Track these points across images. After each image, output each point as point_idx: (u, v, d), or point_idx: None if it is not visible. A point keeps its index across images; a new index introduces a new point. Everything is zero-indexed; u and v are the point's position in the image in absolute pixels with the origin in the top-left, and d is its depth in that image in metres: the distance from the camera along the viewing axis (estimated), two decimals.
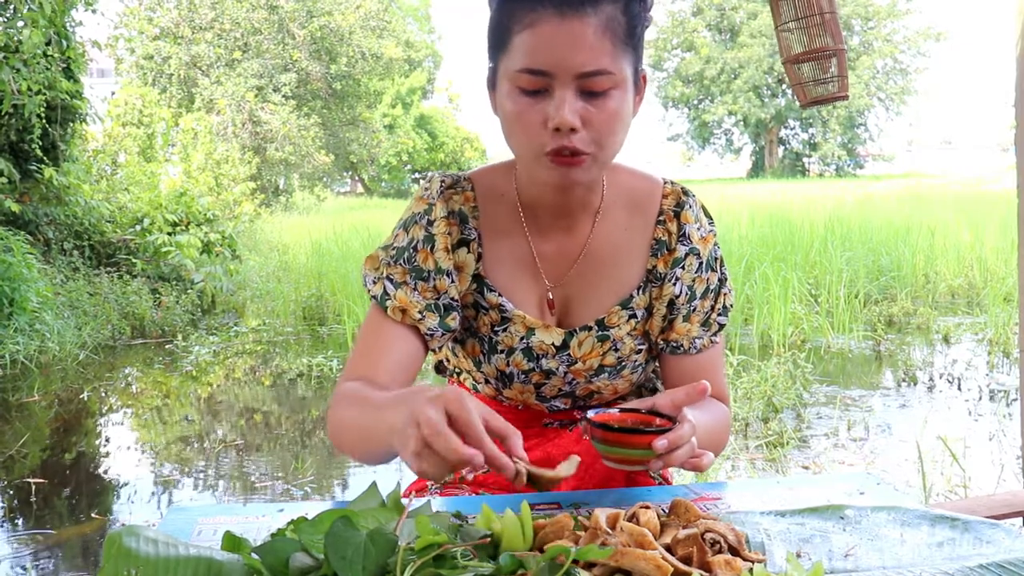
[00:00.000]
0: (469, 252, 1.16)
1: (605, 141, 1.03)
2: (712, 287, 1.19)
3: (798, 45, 2.87)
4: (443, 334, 1.14)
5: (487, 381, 1.22)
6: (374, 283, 1.15)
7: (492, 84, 1.08)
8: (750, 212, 11.87)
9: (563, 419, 1.23)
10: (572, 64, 0.98)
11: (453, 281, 1.15)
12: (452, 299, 1.15)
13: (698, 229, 1.18)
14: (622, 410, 1.00)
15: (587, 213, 1.17)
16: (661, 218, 1.18)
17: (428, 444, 0.80)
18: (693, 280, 1.17)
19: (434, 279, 1.14)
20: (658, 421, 0.97)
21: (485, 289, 1.17)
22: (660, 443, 0.90)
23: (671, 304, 1.18)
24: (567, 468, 0.91)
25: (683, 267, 1.17)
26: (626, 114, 1.04)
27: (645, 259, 1.18)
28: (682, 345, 1.18)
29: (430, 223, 1.15)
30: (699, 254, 1.17)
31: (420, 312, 1.12)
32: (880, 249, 8.43)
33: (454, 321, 1.14)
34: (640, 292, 1.18)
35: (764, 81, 39.45)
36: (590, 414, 0.97)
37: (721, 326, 1.20)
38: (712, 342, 1.19)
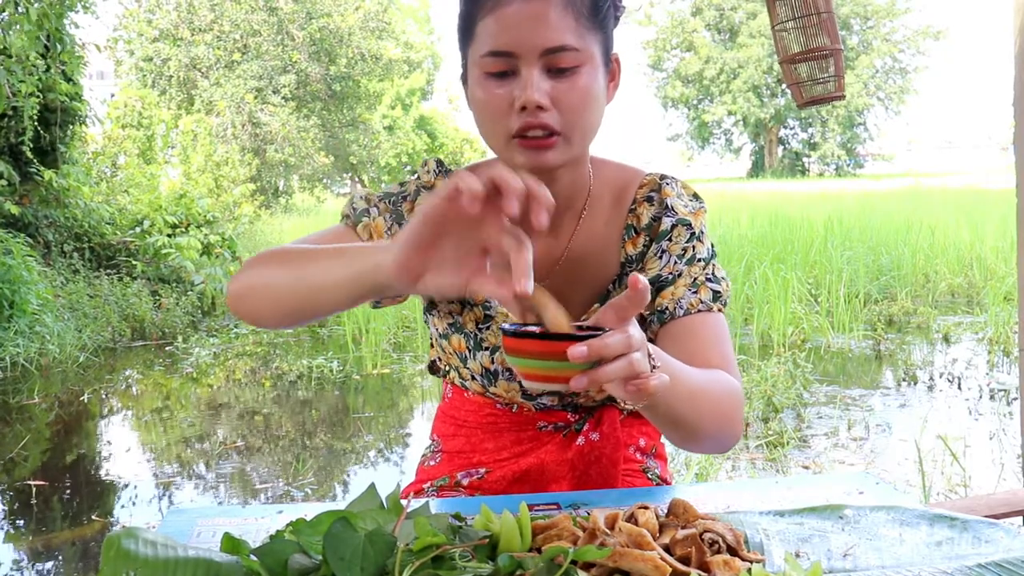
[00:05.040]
0: None
1: (575, 120, 1.03)
2: (701, 255, 1.14)
3: (795, 45, 2.87)
4: None
5: (473, 377, 1.21)
6: (353, 208, 1.15)
7: (464, 79, 1.09)
8: (750, 212, 11.88)
9: (557, 422, 1.22)
10: (535, 42, 0.99)
11: None
12: None
13: (684, 206, 1.15)
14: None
15: (572, 213, 1.16)
16: (633, 206, 1.16)
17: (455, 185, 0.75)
18: (684, 250, 1.13)
19: None
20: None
21: None
22: (577, 350, 0.73)
23: (657, 279, 1.12)
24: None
25: (671, 239, 1.13)
26: (597, 92, 1.04)
27: (619, 251, 1.16)
28: (667, 308, 1.11)
29: (425, 187, 1.17)
30: (690, 225, 1.14)
31: None
32: (880, 248, 8.43)
33: None
34: (615, 286, 1.16)
35: (763, 81, 39.46)
36: (505, 325, 0.80)
37: (715, 293, 1.12)
38: (702, 303, 1.10)
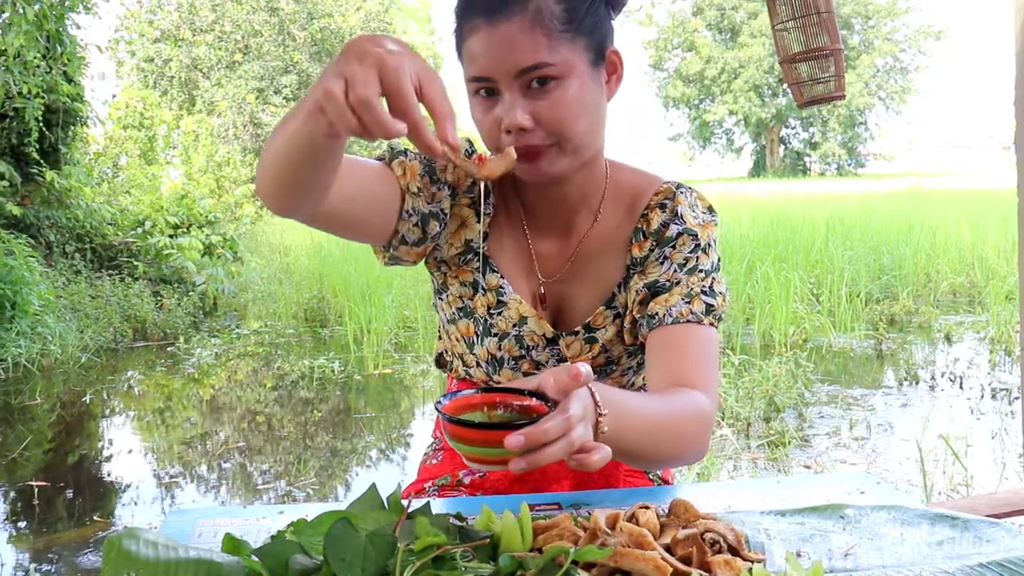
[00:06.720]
0: (479, 222, 1.17)
1: (564, 131, 1.04)
2: (703, 267, 1.13)
3: (795, 44, 2.87)
4: (415, 223, 1.11)
5: (478, 364, 1.22)
6: (391, 148, 1.13)
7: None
8: (751, 211, 11.88)
9: None
10: (507, 64, 1.01)
11: (454, 202, 1.15)
12: (442, 210, 1.13)
13: (694, 216, 1.15)
14: (488, 390, 0.84)
15: (585, 214, 1.18)
16: (645, 211, 1.16)
17: (352, 109, 0.73)
18: (686, 259, 1.12)
19: (437, 186, 1.13)
20: (533, 403, 0.80)
21: (488, 270, 1.18)
22: (513, 440, 0.74)
23: (654, 284, 1.12)
24: (498, 163, 0.83)
25: (675, 246, 1.13)
26: (585, 99, 1.04)
27: (626, 253, 1.17)
28: (657, 315, 1.09)
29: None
30: (696, 236, 1.13)
31: (416, 188, 1.11)
32: (881, 248, 8.43)
33: (417, 231, 1.11)
34: (621, 289, 1.17)
35: (765, 81, 39.42)
36: (444, 401, 0.81)
37: (708, 306, 1.10)
38: (692, 314, 1.09)
